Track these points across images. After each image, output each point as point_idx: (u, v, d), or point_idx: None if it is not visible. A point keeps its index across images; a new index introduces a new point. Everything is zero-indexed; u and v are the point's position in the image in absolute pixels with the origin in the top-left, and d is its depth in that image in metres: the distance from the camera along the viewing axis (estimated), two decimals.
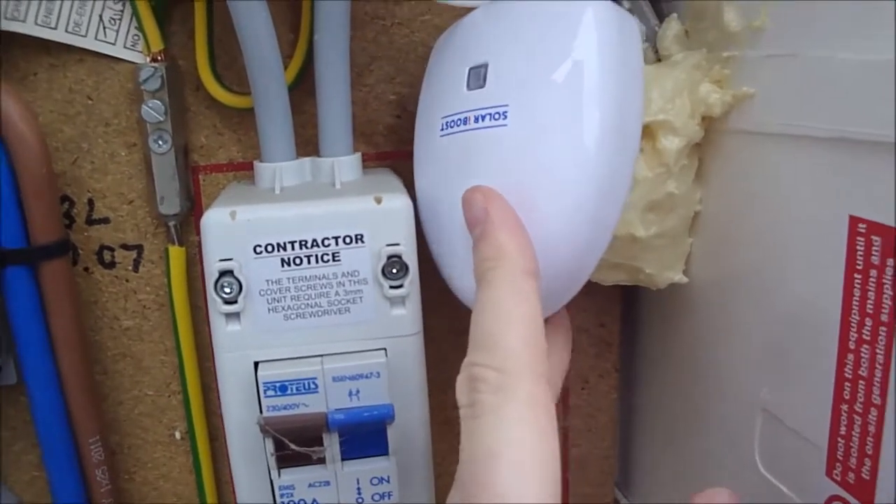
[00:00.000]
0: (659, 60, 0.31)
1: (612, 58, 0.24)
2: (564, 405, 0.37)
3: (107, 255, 0.33)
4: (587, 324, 0.36)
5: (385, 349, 0.27)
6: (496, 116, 0.26)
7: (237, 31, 0.27)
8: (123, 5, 0.30)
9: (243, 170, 0.32)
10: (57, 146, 0.31)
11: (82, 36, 0.30)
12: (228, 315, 0.26)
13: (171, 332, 0.33)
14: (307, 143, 0.31)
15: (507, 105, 0.25)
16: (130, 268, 0.33)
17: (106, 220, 0.32)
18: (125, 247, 0.33)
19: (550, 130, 0.24)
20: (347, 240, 0.26)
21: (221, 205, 0.26)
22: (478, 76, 0.27)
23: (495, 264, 0.22)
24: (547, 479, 0.19)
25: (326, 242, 0.26)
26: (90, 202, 0.32)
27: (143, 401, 0.34)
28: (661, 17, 0.31)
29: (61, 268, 0.30)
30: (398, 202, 0.26)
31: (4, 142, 0.29)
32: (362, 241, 0.26)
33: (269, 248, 0.26)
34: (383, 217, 0.26)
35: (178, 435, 0.35)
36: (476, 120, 0.27)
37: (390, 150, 0.33)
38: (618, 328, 0.36)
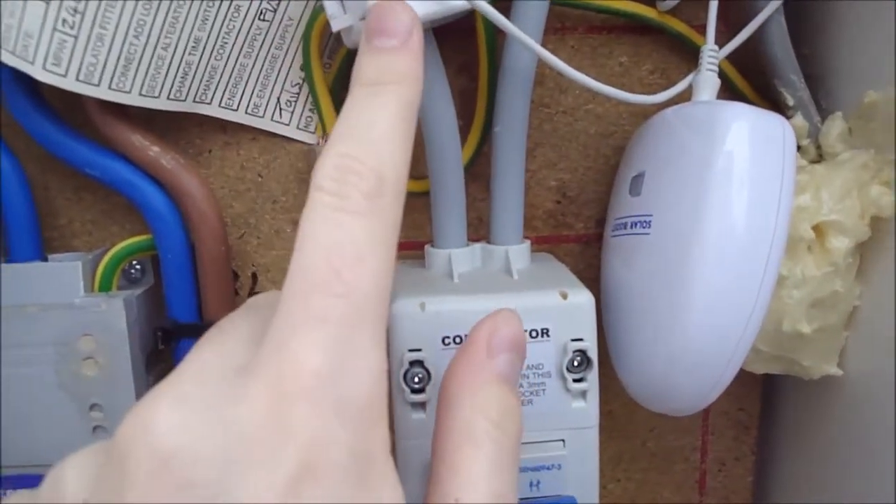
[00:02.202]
0: (820, 156, 0.31)
1: (755, 168, 0.24)
2: (701, 486, 0.37)
3: None
4: (726, 406, 0.36)
5: (563, 440, 0.27)
6: (644, 224, 0.27)
7: (423, 123, 0.28)
8: (300, 88, 0.31)
9: (403, 249, 0.33)
10: (226, 221, 0.32)
11: (259, 117, 0.31)
12: (414, 404, 0.27)
13: None
14: (469, 225, 0.31)
15: (651, 214, 0.26)
16: None
17: None
18: None
19: (685, 239, 0.24)
20: (534, 333, 0.26)
21: (406, 295, 0.27)
22: (637, 184, 0.28)
23: (399, 81, 0.20)
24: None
25: None
26: (254, 276, 0.33)
27: None
28: (822, 112, 0.31)
29: None
30: (583, 298, 0.27)
31: (187, 219, 0.30)
32: (548, 336, 0.27)
33: (458, 340, 0.26)
34: (569, 312, 0.26)
35: None
36: (632, 226, 0.28)
37: (548, 234, 0.33)
38: (757, 412, 0.36)
